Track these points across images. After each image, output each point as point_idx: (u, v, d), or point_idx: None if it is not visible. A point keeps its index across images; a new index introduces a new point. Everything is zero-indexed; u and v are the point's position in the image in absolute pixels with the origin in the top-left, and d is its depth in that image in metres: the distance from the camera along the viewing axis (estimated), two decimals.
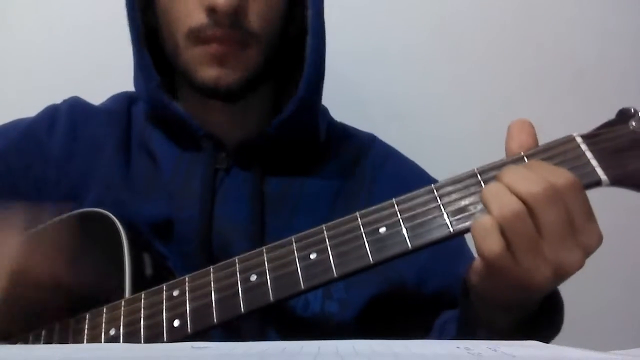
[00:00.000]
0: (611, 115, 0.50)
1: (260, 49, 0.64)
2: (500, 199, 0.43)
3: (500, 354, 0.31)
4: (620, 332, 0.96)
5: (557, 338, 0.52)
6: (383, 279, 0.64)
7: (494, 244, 0.43)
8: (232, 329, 0.58)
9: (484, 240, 0.43)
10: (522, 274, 0.43)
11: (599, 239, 0.44)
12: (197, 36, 0.61)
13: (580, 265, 0.44)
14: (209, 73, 0.62)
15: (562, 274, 0.44)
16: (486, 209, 0.44)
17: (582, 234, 0.44)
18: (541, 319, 0.50)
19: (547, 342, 0.49)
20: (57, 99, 0.75)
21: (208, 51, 0.61)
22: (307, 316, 0.62)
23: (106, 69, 0.95)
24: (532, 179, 0.43)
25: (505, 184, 0.44)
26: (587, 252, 0.44)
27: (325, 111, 0.76)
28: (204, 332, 0.49)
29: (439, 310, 0.65)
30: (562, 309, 0.52)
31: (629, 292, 0.99)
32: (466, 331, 0.53)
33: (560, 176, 0.44)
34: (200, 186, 0.65)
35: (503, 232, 0.43)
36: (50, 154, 0.69)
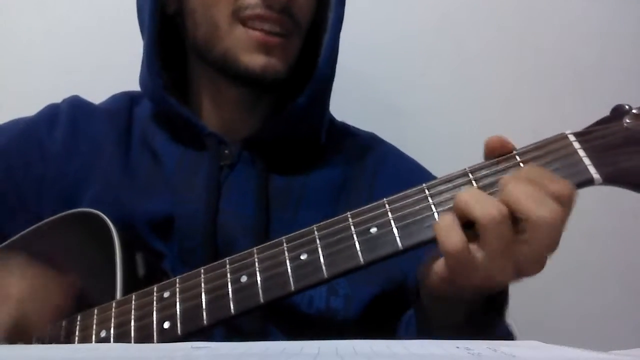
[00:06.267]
0: None
1: (300, 40, 0.65)
2: (484, 204, 0.42)
3: (500, 354, 0.31)
4: (620, 332, 0.96)
5: (557, 338, 0.51)
6: (386, 277, 0.64)
7: (455, 239, 0.42)
8: (234, 327, 0.58)
9: (447, 237, 0.43)
10: (490, 274, 0.43)
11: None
12: (244, 15, 0.61)
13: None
14: (255, 60, 0.62)
15: (525, 275, 0.44)
16: (470, 211, 0.43)
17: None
18: (489, 306, 0.49)
19: (495, 328, 0.50)
20: (57, 99, 0.75)
21: (254, 38, 0.61)
22: (312, 313, 0.62)
23: (106, 69, 0.95)
24: (538, 199, 0.41)
25: (506, 202, 0.42)
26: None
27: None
28: (194, 334, 0.49)
29: None
30: (506, 295, 0.51)
31: (628, 292, 0.98)
32: (424, 331, 0.53)
33: (563, 190, 0.42)
34: (205, 180, 0.65)
35: (483, 234, 0.42)
36: (50, 152, 0.69)
